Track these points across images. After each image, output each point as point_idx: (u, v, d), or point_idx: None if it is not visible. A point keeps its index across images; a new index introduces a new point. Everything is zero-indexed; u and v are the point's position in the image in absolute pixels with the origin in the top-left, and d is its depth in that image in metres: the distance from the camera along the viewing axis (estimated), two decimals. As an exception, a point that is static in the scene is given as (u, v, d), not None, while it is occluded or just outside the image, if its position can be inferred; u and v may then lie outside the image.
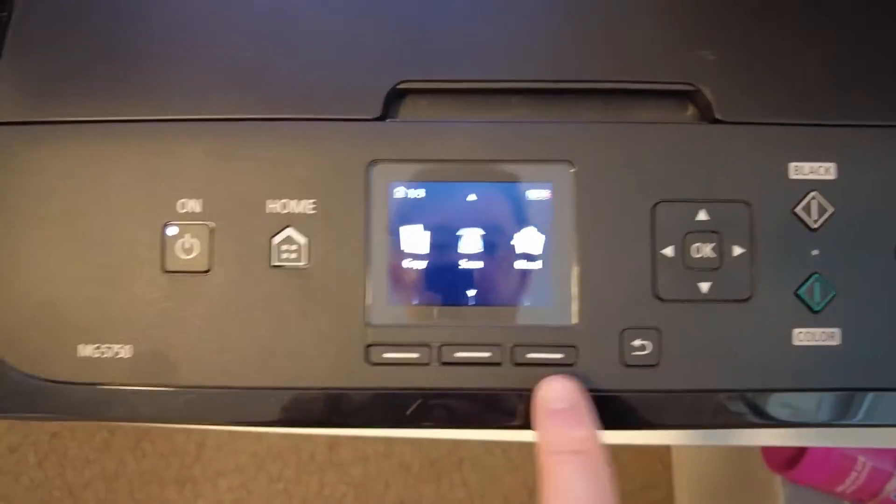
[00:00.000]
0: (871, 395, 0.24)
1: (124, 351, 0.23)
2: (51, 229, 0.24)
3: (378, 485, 1.12)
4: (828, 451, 0.60)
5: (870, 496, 0.63)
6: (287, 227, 0.23)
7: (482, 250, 0.24)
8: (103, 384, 0.23)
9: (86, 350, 0.23)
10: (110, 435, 1.13)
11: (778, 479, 0.67)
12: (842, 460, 0.61)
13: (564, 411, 0.21)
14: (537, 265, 0.24)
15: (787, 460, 0.63)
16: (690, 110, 0.25)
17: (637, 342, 0.23)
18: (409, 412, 0.23)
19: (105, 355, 0.23)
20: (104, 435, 1.13)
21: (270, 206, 0.23)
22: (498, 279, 0.24)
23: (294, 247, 0.23)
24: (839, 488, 0.63)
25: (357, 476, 1.13)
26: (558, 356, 0.23)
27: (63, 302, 0.23)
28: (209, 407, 0.24)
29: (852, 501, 0.66)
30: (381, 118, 0.24)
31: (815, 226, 0.24)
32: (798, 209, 0.24)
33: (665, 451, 1.14)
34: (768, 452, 0.66)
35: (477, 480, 1.12)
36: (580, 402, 0.22)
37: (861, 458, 0.61)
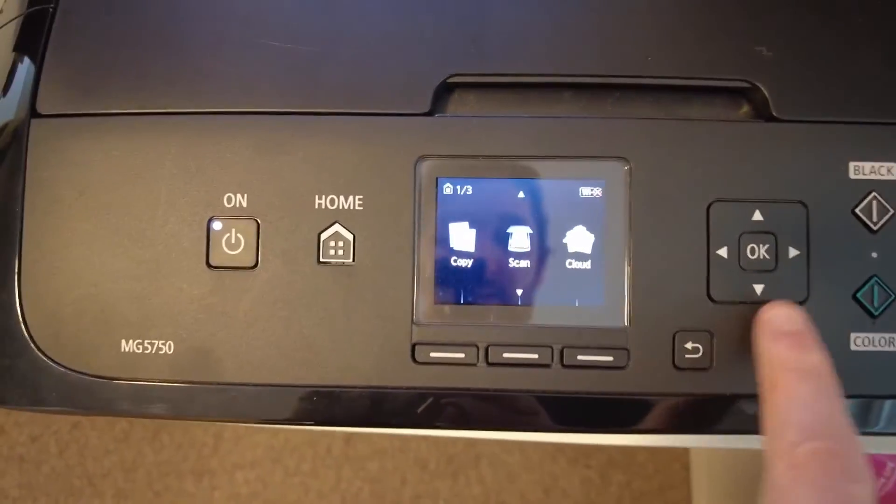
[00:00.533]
0: (931, 403, 0.23)
1: (167, 347, 0.23)
2: (95, 223, 0.23)
3: (394, 480, 1.12)
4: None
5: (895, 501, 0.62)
6: (335, 223, 0.23)
7: (531, 249, 0.23)
8: (145, 380, 0.23)
9: (128, 346, 0.23)
10: (129, 426, 1.14)
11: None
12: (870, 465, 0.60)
13: (795, 333, 0.21)
14: (588, 265, 0.23)
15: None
16: (746, 108, 0.24)
17: (689, 345, 0.23)
18: (455, 413, 0.23)
19: (147, 351, 0.23)
20: (123, 426, 1.14)
21: (318, 201, 0.23)
22: (547, 279, 0.23)
23: (341, 243, 0.23)
24: (866, 493, 0.62)
25: (373, 471, 1.13)
26: (609, 359, 0.23)
27: (106, 296, 0.23)
28: (252, 405, 0.23)
29: (878, 506, 0.65)
30: (430, 113, 0.24)
31: (876, 227, 0.23)
32: (858, 210, 0.23)
33: (683, 451, 1.13)
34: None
35: (493, 478, 1.12)
36: (809, 327, 0.21)
37: (890, 464, 0.60)
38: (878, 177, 0.23)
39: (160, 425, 1.15)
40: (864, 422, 0.23)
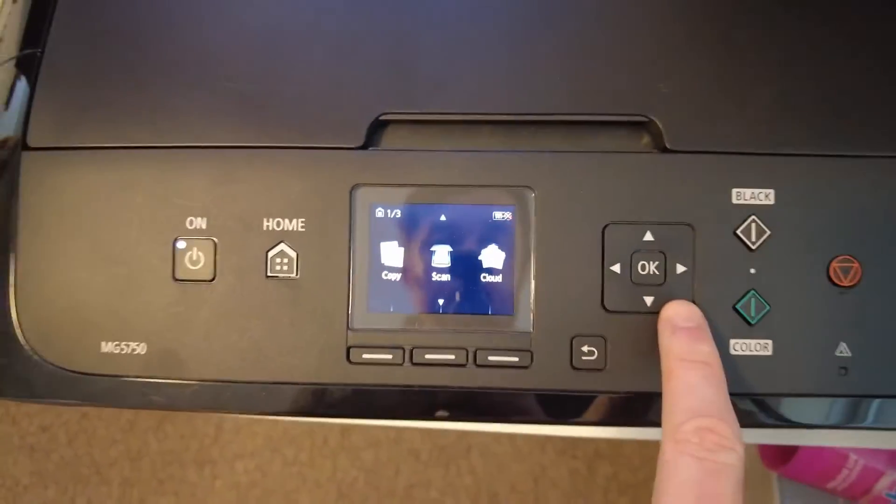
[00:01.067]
0: (799, 399, 0.26)
1: (140, 348, 0.27)
2: (78, 241, 0.27)
3: (388, 469, 1.17)
4: (819, 448, 0.62)
5: (861, 493, 0.64)
6: (281, 242, 0.27)
7: (452, 265, 0.27)
8: (122, 376, 0.27)
9: (107, 347, 0.27)
10: (134, 417, 1.19)
11: (773, 475, 0.69)
12: (833, 457, 0.62)
13: (691, 328, 0.25)
14: (499, 278, 0.27)
15: (781, 456, 0.65)
16: (645, 139, 0.28)
17: (585, 348, 0.26)
18: (384, 406, 0.26)
19: (123, 351, 0.27)
20: (129, 417, 1.19)
21: (266, 223, 0.27)
22: (465, 291, 0.27)
23: (286, 260, 0.27)
24: (831, 484, 0.64)
25: (368, 461, 1.17)
26: (515, 359, 0.26)
27: (88, 305, 0.27)
28: (212, 398, 0.27)
29: (845, 498, 0.67)
30: (364, 146, 0.27)
31: (754, 246, 0.26)
32: (739, 231, 0.26)
33: (668, 444, 1.16)
34: (763, 449, 0.68)
35: (484, 467, 1.16)
36: (703, 323, 0.25)
37: (853, 456, 0.62)
38: (758, 202, 0.26)
39: (164, 417, 1.19)
40: (742, 416, 0.26)
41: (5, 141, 0.28)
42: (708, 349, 0.24)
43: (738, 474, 0.21)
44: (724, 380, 0.23)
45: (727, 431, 0.21)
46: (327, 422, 1.18)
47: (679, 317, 0.25)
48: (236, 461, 1.17)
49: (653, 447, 1.14)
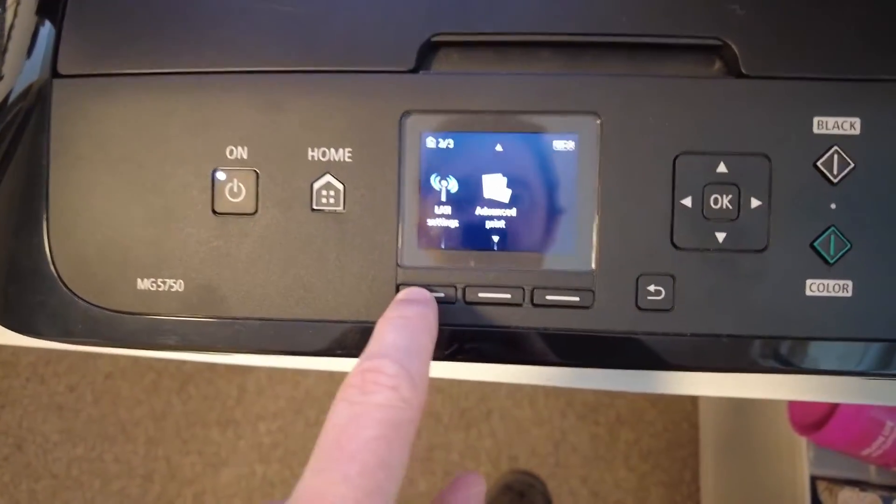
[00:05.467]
0: (878, 345, 0.25)
1: (178, 285, 0.26)
2: (112, 174, 0.26)
3: (409, 433, 1.17)
4: (856, 414, 0.60)
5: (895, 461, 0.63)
6: (326, 173, 0.25)
7: (507, 198, 0.25)
8: (159, 315, 0.26)
9: (144, 284, 0.26)
10: (158, 377, 1.20)
11: (803, 441, 0.68)
12: (869, 424, 0.61)
13: (406, 298, 0.24)
14: (560, 213, 0.25)
15: (814, 422, 0.64)
16: (717, 65, 0.25)
17: (652, 287, 0.24)
18: (435, 346, 0.25)
19: (160, 289, 0.26)
20: (152, 377, 1.20)
21: (311, 153, 0.25)
22: (521, 226, 0.25)
23: (332, 192, 0.25)
24: (865, 451, 0.63)
25: (389, 424, 1.17)
26: (575, 299, 0.25)
27: (124, 240, 0.26)
28: (254, 338, 0.26)
29: (878, 465, 0.66)
30: (415, 70, 0.25)
31: (836, 180, 0.24)
32: (820, 163, 0.24)
33: (692, 410, 1.15)
34: (795, 414, 0.67)
35: (504, 431, 1.16)
36: (423, 298, 0.24)
37: (889, 423, 0.61)
38: (841, 132, 0.24)
39: (186, 377, 1.20)
40: (815, 362, 0.25)
41: (35, 70, 0.27)
42: (413, 311, 0.22)
43: (390, 414, 0.19)
44: (424, 329, 0.22)
45: (393, 370, 0.20)
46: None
47: (403, 293, 0.24)
48: (259, 422, 1.18)
49: (675, 413, 1.13)
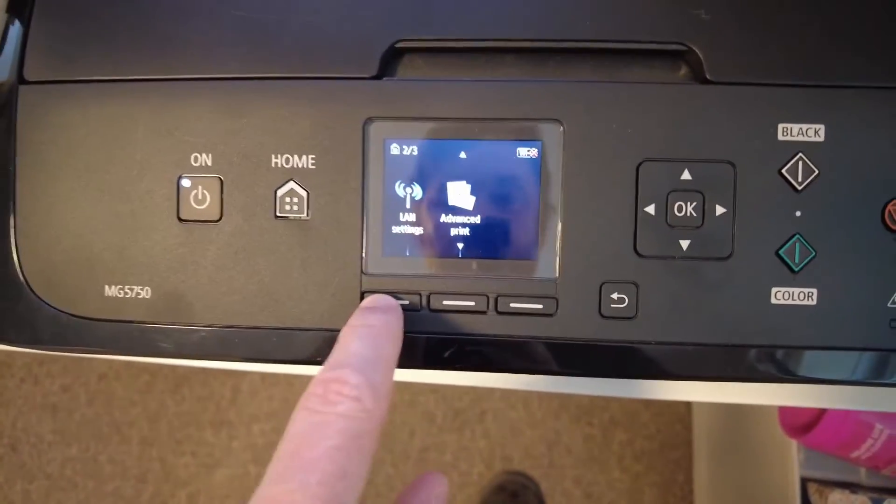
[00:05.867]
0: (843, 353, 0.24)
1: (144, 292, 0.26)
2: (79, 181, 0.26)
3: (403, 432, 1.17)
4: (844, 417, 0.60)
5: (885, 463, 0.63)
6: (290, 180, 0.25)
7: (471, 205, 0.25)
8: (126, 321, 0.26)
9: (111, 290, 0.26)
10: (152, 378, 1.20)
11: (794, 444, 0.68)
12: (858, 427, 0.61)
13: (370, 306, 0.24)
14: (523, 221, 0.25)
15: (804, 425, 0.64)
16: (682, 71, 0.25)
17: (615, 295, 0.24)
18: (400, 354, 0.25)
19: (128, 295, 0.26)
20: (146, 378, 1.20)
21: (274, 160, 0.25)
22: (485, 233, 0.25)
23: (296, 199, 0.25)
24: (854, 454, 0.63)
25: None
26: (539, 306, 0.24)
27: (91, 247, 0.26)
28: (220, 345, 0.26)
29: (867, 468, 0.66)
30: (378, 77, 0.25)
31: (800, 187, 0.24)
32: (784, 170, 0.24)
33: (685, 412, 1.15)
34: (785, 417, 0.67)
35: (498, 432, 1.16)
36: (387, 305, 0.24)
37: (878, 426, 0.61)
38: (805, 139, 0.24)
39: (181, 379, 1.20)
40: (780, 370, 0.25)
41: (3, 84, 0.27)
42: (377, 319, 0.22)
43: (352, 425, 0.19)
44: (388, 339, 0.22)
45: (356, 380, 0.20)
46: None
47: (369, 300, 0.24)
48: (253, 423, 1.18)
49: (669, 415, 1.13)
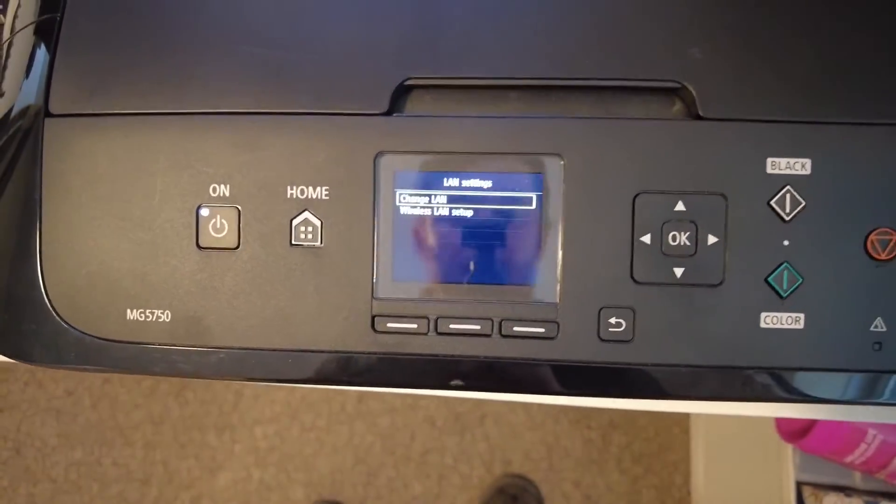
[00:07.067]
0: (830, 374, 0.26)
1: (164, 315, 0.27)
2: (102, 209, 0.27)
3: (404, 436, 1.18)
4: (838, 423, 0.61)
5: (879, 468, 0.64)
6: (305, 210, 0.26)
7: (477, 234, 0.26)
8: (147, 343, 0.27)
9: (133, 314, 0.27)
10: (155, 383, 1.22)
11: (789, 448, 0.69)
12: (851, 432, 0.62)
13: None
14: (526, 249, 0.26)
15: (799, 430, 0.65)
16: (677, 107, 0.27)
17: (613, 319, 0.26)
18: (408, 375, 0.26)
19: (148, 319, 0.27)
20: (150, 383, 1.22)
21: (290, 191, 0.26)
22: (489, 260, 0.26)
23: (310, 228, 0.26)
24: (848, 458, 0.64)
25: (385, 427, 1.19)
26: (541, 330, 0.26)
27: (114, 272, 0.27)
28: (237, 365, 0.27)
29: (862, 472, 0.67)
30: (389, 113, 0.26)
31: (788, 218, 0.25)
32: (773, 202, 0.25)
33: (684, 416, 1.16)
34: (781, 422, 0.68)
35: (499, 435, 1.17)
36: None
37: (871, 431, 0.62)
38: (793, 172, 0.25)
39: (184, 383, 1.21)
40: (770, 390, 0.26)
41: (27, 109, 0.28)
42: None
43: None
44: None
45: None
46: (349, 389, 1.19)
47: None
48: (255, 427, 1.19)
49: (667, 418, 1.14)
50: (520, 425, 1.18)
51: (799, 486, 0.70)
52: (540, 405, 1.17)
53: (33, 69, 0.28)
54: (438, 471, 1.17)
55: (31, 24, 0.29)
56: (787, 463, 0.70)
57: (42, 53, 0.28)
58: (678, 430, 1.16)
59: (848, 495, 0.66)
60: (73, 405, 1.23)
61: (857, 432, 0.62)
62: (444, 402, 1.19)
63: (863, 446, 0.63)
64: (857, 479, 0.68)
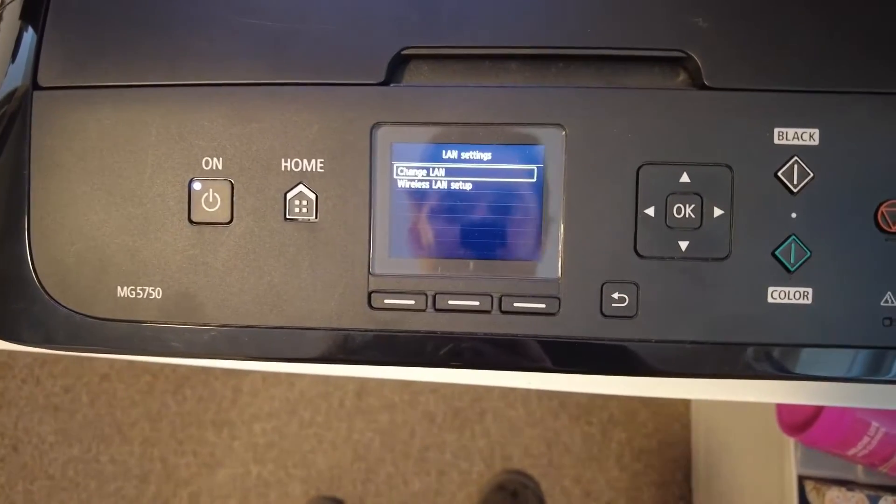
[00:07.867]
0: (838, 350, 0.25)
1: (156, 293, 0.26)
2: (92, 184, 0.26)
3: (403, 432, 1.18)
4: (841, 415, 0.61)
5: (881, 461, 0.63)
6: (299, 183, 0.26)
7: (476, 207, 0.26)
8: (138, 321, 0.26)
9: (123, 291, 0.26)
10: (153, 378, 1.21)
11: (791, 442, 0.68)
12: (854, 424, 0.61)
13: None
14: (526, 223, 0.25)
15: (801, 423, 0.64)
16: (681, 77, 0.26)
17: (616, 294, 0.25)
18: (406, 352, 0.26)
19: (139, 296, 0.26)
20: (147, 378, 1.21)
21: (284, 164, 0.26)
22: (489, 235, 0.25)
23: (305, 202, 0.26)
24: (851, 451, 0.63)
25: (384, 423, 1.18)
26: (542, 306, 0.25)
27: (103, 248, 0.26)
28: (230, 344, 0.26)
29: (864, 465, 0.66)
30: (385, 83, 0.26)
31: (796, 190, 0.25)
32: (780, 173, 0.25)
33: (684, 411, 1.16)
34: (782, 415, 0.68)
35: (498, 431, 1.17)
36: None
37: (874, 424, 0.62)
38: (801, 142, 0.25)
39: (182, 379, 1.21)
40: (777, 367, 0.25)
41: (15, 81, 0.27)
42: None
43: None
44: None
45: None
46: (343, 382, 1.19)
47: None
48: (254, 423, 1.19)
49: (667, 414, 1.14)
50: (519, 421, 1.17)
51: (801, 480, 0.69)
52: (539, 400, 1.16)
53: (22, 41, 0.28)
54: (438, 467, 1.16)
55: (19, -5, 0.28)
56: (789, 458, 0.69)
57: (30, 26, 0.28)
58: (679, 426, 1.15)
59: (850, 489, 0.65)
60: (71, 402, 1.22)
61: (859, 424, 0.61)
62: (443, 398, 1.18)
63: (865, 439, 0.62)
64: (859, 473, 0.68)
